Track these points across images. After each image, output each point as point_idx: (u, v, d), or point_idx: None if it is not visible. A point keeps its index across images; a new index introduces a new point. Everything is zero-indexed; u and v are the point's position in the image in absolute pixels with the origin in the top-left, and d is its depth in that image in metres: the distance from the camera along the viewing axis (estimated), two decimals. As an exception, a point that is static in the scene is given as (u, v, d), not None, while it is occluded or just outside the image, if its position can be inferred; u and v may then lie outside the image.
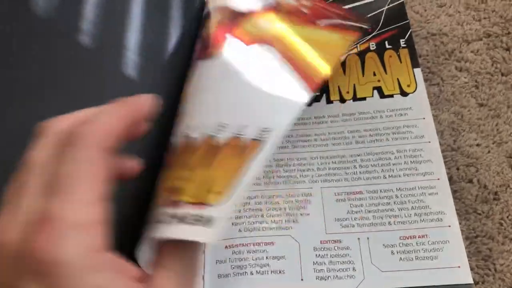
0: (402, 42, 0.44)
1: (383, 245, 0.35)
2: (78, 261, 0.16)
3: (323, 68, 0.31)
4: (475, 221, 0.40)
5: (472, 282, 0.33)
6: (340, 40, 0.35)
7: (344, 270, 0.34)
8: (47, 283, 0.16)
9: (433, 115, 0.42)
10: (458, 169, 0.42)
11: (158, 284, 0.19)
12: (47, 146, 0.18)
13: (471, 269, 0.34)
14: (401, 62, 0.43)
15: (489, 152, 0.43)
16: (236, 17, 0.35)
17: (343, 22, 0.37)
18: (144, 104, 0.21)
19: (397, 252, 0.34)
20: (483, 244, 0.39)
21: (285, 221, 0.36)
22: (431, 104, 0.42)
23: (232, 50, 0.32)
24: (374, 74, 0.43)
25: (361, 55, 0.44)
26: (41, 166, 0.17)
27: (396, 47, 0.44)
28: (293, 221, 0.36)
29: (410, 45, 0.44)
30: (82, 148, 0.17)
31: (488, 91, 0.46)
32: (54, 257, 0.16)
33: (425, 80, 0.46)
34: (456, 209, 0.37)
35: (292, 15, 0.36)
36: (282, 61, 0.31)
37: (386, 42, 0.44)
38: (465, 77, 0.47)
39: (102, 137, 0.18)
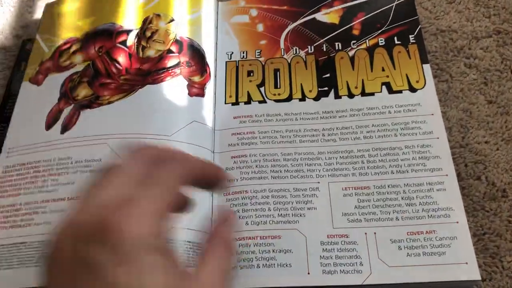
0: (411, 38, 0.44)
1: (390, 240, 0.34)
2: (141, 239, 0.20)
3: None
4: (483, 218, 0.40)
5: (479, 278, 0.33)
6: None
7: (351, 264, 0.34)
8: (112, 250, 0.19)
9: (441, 111, 0.41)
10: (466, 166, 0.42)
11: (205, 279, 0.22)
12: (138, 164, 0.23)
13: (479, 266, 0.34)
14: (410, 58, 0.43)
15: (497, 149, 0.43)
16: None
17: None
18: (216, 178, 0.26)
19: (405, 248, 0.34)
20: (490, 241, 0.39)
21: (292, 215, 0.36)
22: (439, 100, 0.42)
23: None
24: (383, 70, 0.43)
25: (370, 50, 0.44)
26: (129, 176, 0.22)
27: (405, 43, 0.44)
28: (300, 215, 0.36)
29: (419, 40, 0.44)
30: (164, 180, 0.22)
31: (497, 88, 0.46)
32: (124, 230, 0.19)
33: (434, 77, 0.46)
34: (464, 206, 0.37)
35: None
36: None
37: (395, 38, 0.44)
38: (474, 74, 0.47)
39: (180, 180, 0.23)
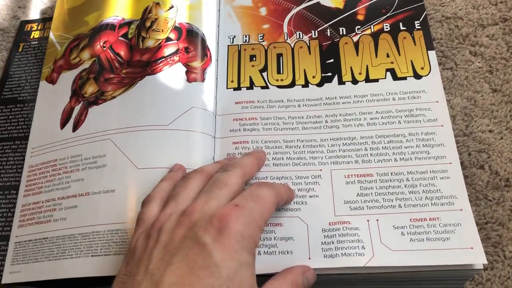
0: (416, 23, 0.43)
1: (393, 226, 0.34)
2: (242, 236, 0.27)
3: None
4: (486, 207, 0.40)
5: (486, 262, 0.32)
6: None
7: (353, 248, 0.33)
8: (218, 236, 0.27)
9: (445, 99, 0.41)
10: (469, 154, 0.42)
11: None
12: (241, 182, 0.33)
13: (480, 255, 0.34)
14: (415, 44, 0.42)
15: (501, 138, 0.42)
16: None
17: None
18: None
19: (408, 233, 0.33)
20: (493, 231, 0.39)
21: (294, 202, 0.36)
22: (444, 88, 0.42)
23: None
24: (388, 56, 0.42)
25: (375, 36, 0.43)
26: (234, 191, 0.31)
27: (410, 29, 0.43)
28: (302, 203, 0.36)
29: (425, 27, 0.43)
30: (265, 199, 0.31)
31: (503, 77, 0.45)
32: (230, 225, 0.27)
33: (439, 64, 0.45)
34: (467, 195, 0.36)
35: None
36: None
37: (401, 24, 0.43)
38: (479, 62, 0.46)
39: (276, 202, 0.32)
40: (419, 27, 0.43)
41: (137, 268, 0.27)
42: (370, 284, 0.35)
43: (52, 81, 0.46)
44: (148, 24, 0.45)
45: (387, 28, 0.43)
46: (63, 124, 0.43)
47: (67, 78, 0.45)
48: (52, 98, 0.45)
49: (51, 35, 0.49)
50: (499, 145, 0.42)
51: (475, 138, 0.42)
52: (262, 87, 0.42)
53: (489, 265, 0.37)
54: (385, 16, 0.44)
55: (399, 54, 0.42)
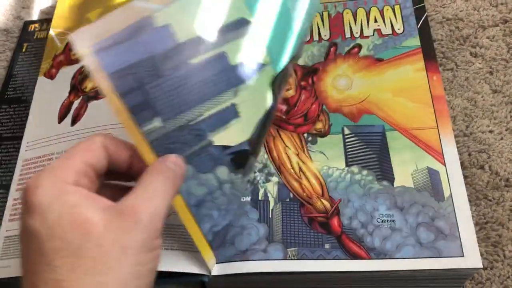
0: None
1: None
2: (52, 191, 0.24)
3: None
4: (486, 207, 0.40)
5: (481, 266, 0.33)
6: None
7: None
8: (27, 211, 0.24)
9: (446, 100, 0.41)
10: (469, 155, 0.42)
11: (143, 209, 0.24)
12: None
13: (480, 255, 0.34)
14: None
15: (501, 139, 0.42)
16: None
17: None
18: None
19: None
20: (492, 231, 0.39)
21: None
22: (444, 89, 0.42)
23: None
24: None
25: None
26: None
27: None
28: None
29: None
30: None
31: (503, 78, 0.45)
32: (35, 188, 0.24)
33: (439, 65, 0.45)
34: (467, 195, 0.36)
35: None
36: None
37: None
38: (479, 63, 0.46)
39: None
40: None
41: None
42: (369, 283, 0.35)
43: (51, 76, 0.47)
44: None
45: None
46: (60, 118, 0.43)
47: (67, 73, 0.46)
48: (50, 93, 0.46)
49: (51, 32, 0.50)
50: (499, 146, 0.42)
51: (475, 139, 0.43)
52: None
53: (489, 265, 0.38)
54: (386, 17, 0.44)
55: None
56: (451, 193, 0.35)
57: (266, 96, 0.32)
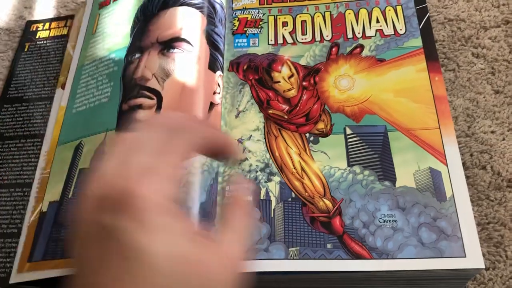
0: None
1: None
2: (157, 204, 0.20)
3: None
4: (488, 207, 0.40)
5: (483, 266, 0.32)
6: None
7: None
8: (131, 216, 0.20)
9: (448, 100, 0.41)
10: (471, 155, 0.42)
11: (226, 248, 0.22)
12: (154, 134, 0.23)
13: (482, 255, 0.34)
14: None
15: (503, 139, 0.42)
16: None
17: None
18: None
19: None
20: (494, 231, 0.39)
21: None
22: (446, 89, 0.42)
23: None
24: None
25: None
26: (146, 146, 0.23)
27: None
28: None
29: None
30: (177, 149, 0.23)
31: (505, 78, 0.45)
32: (142, 197, 0.20)
33: (441, 66, 0.45)
34: (469, 195, 0.36)
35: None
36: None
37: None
38: (481, 64, 0.46)
39: (192, 148, 0.24)
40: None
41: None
42: (371, 283, 0.35)
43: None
44: None
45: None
46: None
47: None
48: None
49: (68, 46, 0.51)
50: (501, 146, 0.42)
51: (477, 139, 0.43)
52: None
53: (491, 265, 0.38)
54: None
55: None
56: (453, 194, 0.35)
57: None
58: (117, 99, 0.42)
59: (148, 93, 0.40)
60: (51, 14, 0.56)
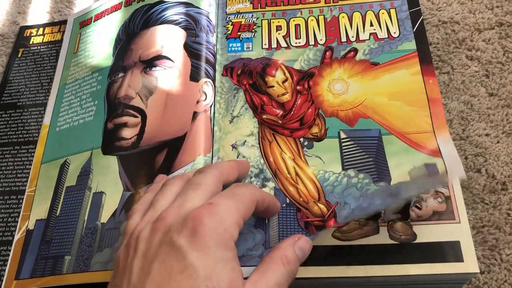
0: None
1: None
2: (217, 233, 0.26)
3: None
4: (482, 211, 0.40)
5: (478, 271, 0.32)
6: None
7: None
8: (192, 236, 0.26)
9: (442, 103, 0.41)
10: (466, 158, 0.42)
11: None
12: (213, 181, 0.31)
13: (477, 258, 0.34)
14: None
15: (498, 142, 0.43)
16: None
17: None
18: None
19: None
20: (489, 234, 0.39)
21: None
22: (440, 92, 0.42)
23: None
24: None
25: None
26: (207, 190, 0.30)
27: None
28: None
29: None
30: (241, 196, 0.30)
31: (499, 81, 0.45)
32: (204, 223, 0.26)
33: (435, 69, 0.45)
34: (464, 199, 0.36)
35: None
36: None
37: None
38: (475, 66, 0.46)
39: (254, 200, 0.30)
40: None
41: (121, 280, 0.27)
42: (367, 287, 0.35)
43: None
44: None
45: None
46: None
47: None
48: None
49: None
50: (495, 149, 0.42)
51: (472, 142, 0.43)
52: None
53: (486, 269, 0.38)
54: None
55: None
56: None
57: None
58: (102, 117, 0.42)
59: (132, 112, 0.42)
60: (44, 19, 0.56)
